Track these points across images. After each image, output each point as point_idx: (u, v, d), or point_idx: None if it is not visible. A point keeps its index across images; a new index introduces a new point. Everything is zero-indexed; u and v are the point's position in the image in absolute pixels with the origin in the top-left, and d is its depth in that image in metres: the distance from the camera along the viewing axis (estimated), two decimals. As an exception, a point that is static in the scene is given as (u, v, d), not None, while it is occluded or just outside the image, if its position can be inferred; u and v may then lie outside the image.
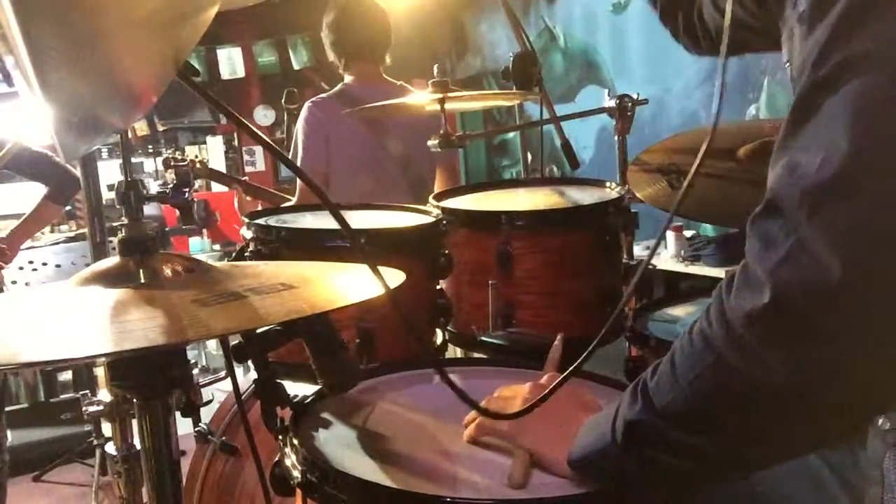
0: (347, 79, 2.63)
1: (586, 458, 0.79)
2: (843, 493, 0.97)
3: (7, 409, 2.94)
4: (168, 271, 0.80)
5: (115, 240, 0.82)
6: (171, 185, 0.94)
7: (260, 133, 0.75)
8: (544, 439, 0.85)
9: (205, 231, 5.42)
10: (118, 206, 0.82)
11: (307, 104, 2.55)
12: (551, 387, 0.83)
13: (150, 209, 0.86)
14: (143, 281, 0.78)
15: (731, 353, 0.64)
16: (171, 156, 2.79)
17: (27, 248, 3.45)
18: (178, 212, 0.97)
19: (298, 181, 2.58)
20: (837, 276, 0.57)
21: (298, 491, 0.88)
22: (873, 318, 0.58)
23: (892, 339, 0.58)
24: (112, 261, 0.81)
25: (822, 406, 0.64)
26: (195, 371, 0.86)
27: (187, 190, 0.93)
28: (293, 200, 2.54)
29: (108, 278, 0.78)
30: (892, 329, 0.58)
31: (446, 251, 1.41)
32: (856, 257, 0.57)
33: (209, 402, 1.11)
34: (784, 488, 0.97)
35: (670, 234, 3.37)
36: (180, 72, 0.61)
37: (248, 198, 2.79)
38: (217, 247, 5.35)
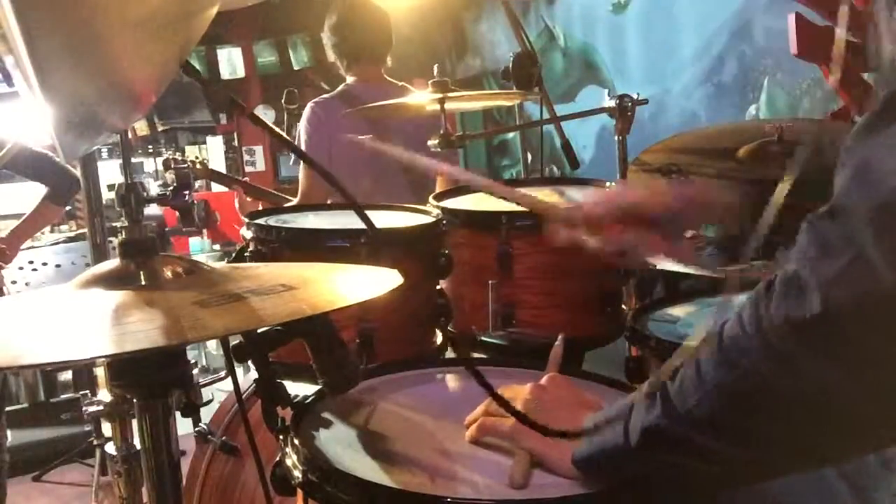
0: (349, 79, 2.64)
1: (591, 458, 0.79)
2: (851, 497, 0.96)
3: (7, 409, 2.94)
4: (168, 273, 0.80)
5: (114, 240, 0.82)
6: (171, 188, 0.94)
7: (285, 136, 0.75)
8: (545, 439, 0.85)
9: (205, 231, 5.41)
10: (118, 209, 0.82)
11: (309, 105, 2.56)
12: None
13: (149, 209, 0.86)
14: (143, 283, 0.78)
15: (766, 362, 0.62)
16: (171, 156, 2.79)
17: (27, 248, 3.45)
18: (178, 214, 0.97)
19: (300, 181, 2.58)
20: (890, 289, 0.55)
21: (299, 491, 0.88)
22: None
23: None
24: (112, 263, 0.81)
25: (856, 419, 0.62)
26: (195, 371, 0.86)
27: (188, 192, 0.93)
28: (294, 201, 2.54)
29: (109, 281, 0.78)
30: None
31: (446, 251, 1.41)
32: None
33: (209, 402, 1.11)
34: (793, 491, 0.96)
35: (670, 234, 3.36)
36: (202, 77, 0.61)
37: (249, 198, 2.79)
38: (217, 247, 5.35)
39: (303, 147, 2.52)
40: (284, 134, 2.47)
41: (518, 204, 1.20)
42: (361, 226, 1.45)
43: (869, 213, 0.56)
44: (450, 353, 1.44)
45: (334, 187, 0.74)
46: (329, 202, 2.53)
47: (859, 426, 0.64)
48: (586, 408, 0.88)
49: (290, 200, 2.61)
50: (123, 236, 0.81)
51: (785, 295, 0.61)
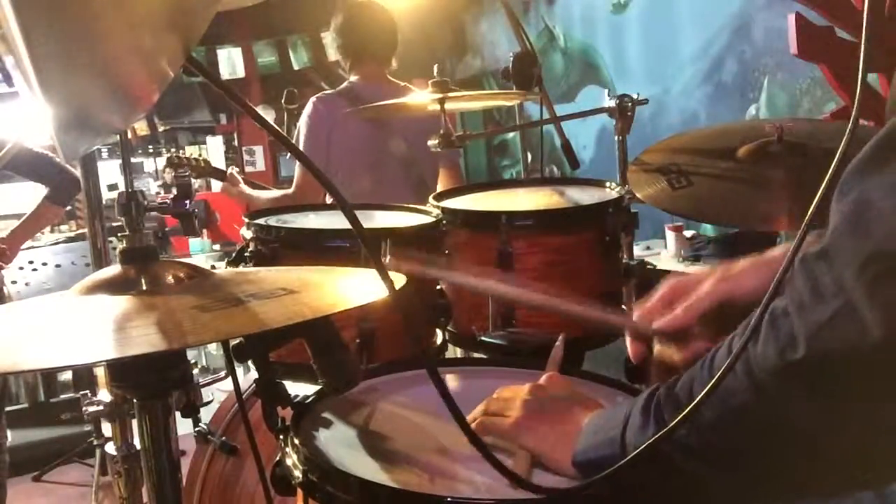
0: (353, 78, 2.64)
1: (591, 461, 0.79)
2: None
3: (7, 409, 2.95)
4: (170, 278, 0.81)
5: (115, 241, 0.83)
6: (172, 195, 0.94)
7: (280, 132, 0.75)
8: (545, 439, 0.85)
9: (205, 231, 5.41)
10: (119, 217, 0.83)
11: (312, 100, 2.56)
12: None
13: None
14: (144, 288, 0.79)
15: (754, 401, 0.61)
16: (174, 154, 2.79)
17: (27, 249, 3.46)
18: (179, 222, 0.98)
19: (295, 174, 2.59)
20: (876, 342, 0.53)
21: (299, 491, 0.88)
22: None
23: None
24: (114, 269, 0.82)
25: (842, 460, 0.62)
26: (195, 371, 0.86)
27: (188, 201, 0.93)
28: (289, 191, 2.56)
29: (111, 286, 0.79)
30: None
31: (446, 251, 1.41)
32: None
33: (209, 402, 1.11)
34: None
35: (670, 234, 3.37)
36: (212, 74, 0.61)
37: (235, 190, 2.78)
38: (217, 247, 5.35)
39: (301, 141, 2.52)
40: (282, 131, 2.47)
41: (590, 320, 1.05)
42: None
43: (860, 261, 0.54)
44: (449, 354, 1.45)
45: (326, 188, 0.74)
46: (329, 200, 2.54)
47: (846, 467, 0.63)
48: (586, 408, 0.88)
49: (267, 188, 2.62)
50: (125, 244, 0.82)
51: (774, 335, 0.59)
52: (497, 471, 0.76)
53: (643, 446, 0.68)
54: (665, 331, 0.87)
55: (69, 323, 0.74)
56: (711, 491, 0.70)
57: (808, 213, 0.58)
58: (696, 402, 0.64)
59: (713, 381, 0.63)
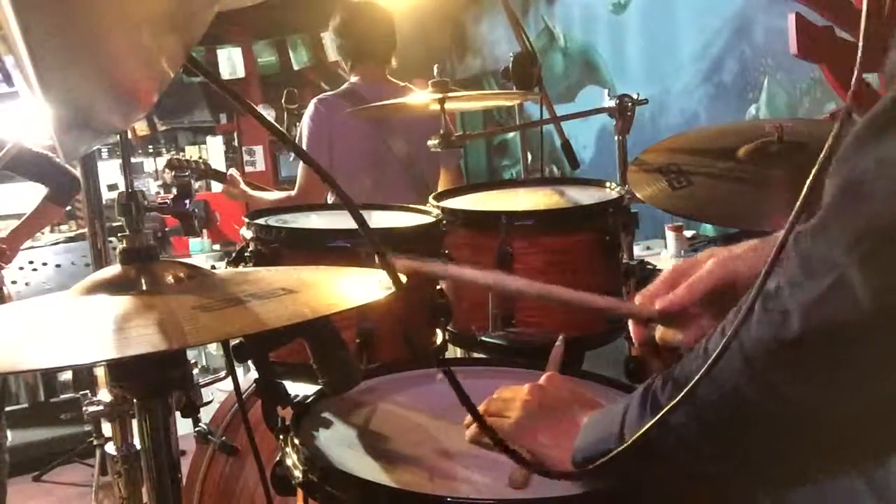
0: (353, 79, 2.64)
1: (590, 459, 0.79)
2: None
3: (7, 409, 2.95)
4: (170, 278, 0.80)
5: (115, 241, 0.83)
6: (172, 195, 0.94)
7: (284, 132, 0.75)
8: (545, 439, 0.85)
9: (205, 231, 5.41)
10: (119, 217, 0.83)
11: (313, 101, 2.56)
12: None
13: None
14: (144, 288, 0.79)
15: (748, 386, 0.61)
16: (174, 156, 2.79)
17: (27, 248, 3.46)
18: (179, 222, 0.98)
19: (298, 176, 2.59)
20: (869, 315, 0.53)
21: (299, 491, 0.88)
22: None
23: None
24: (114, 269, 0.82)
25: (837, 441, 0.62)
26: (195, 371, 0.86)
27: (188, 200, 0.93)
28: (291, 193, 2.56)
29: (111, 286, 0.79)
30: None
31: (446, 251, 1.41)
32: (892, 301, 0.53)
33: (209, 402, 1.11)
34: (816, 494, 0.95)
35: (670, 234, 3.37)
36: (214, 77, 0.61)
37: (236, 191, 2.78)
38: (217, 247, 5.35)
39: (304, 142, 2.52)
40: (283, 131, 2.47)
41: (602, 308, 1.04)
42: (361, 226, 1.45)
43: (854, 236, 0.54)
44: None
45: (331, 187, 0.74)
46: (330, 201, 2.54)
47: (841, 447, 0.63)
48: (585, 407, 0.88)
49: (267, 189, 2.63)
50: (125, 244, 0.81)
51: (767, 316, 0.59)
52: (513, 460, 0.77)
53: (642, 430, 0.68)
54: (667, 310, 0.86)
55: (69, 323, 0.74)
56: (711, 479, 0.70)
57: (801, 195, 0.58)
58: (691, 383, 0.63)
59: (709, 362, 0.62)
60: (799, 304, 0.57)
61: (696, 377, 0.63)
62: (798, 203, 0.58)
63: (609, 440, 0.75)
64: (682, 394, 0.64)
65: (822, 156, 0.56)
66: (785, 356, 0.59)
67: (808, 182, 0.57)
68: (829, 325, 0.56)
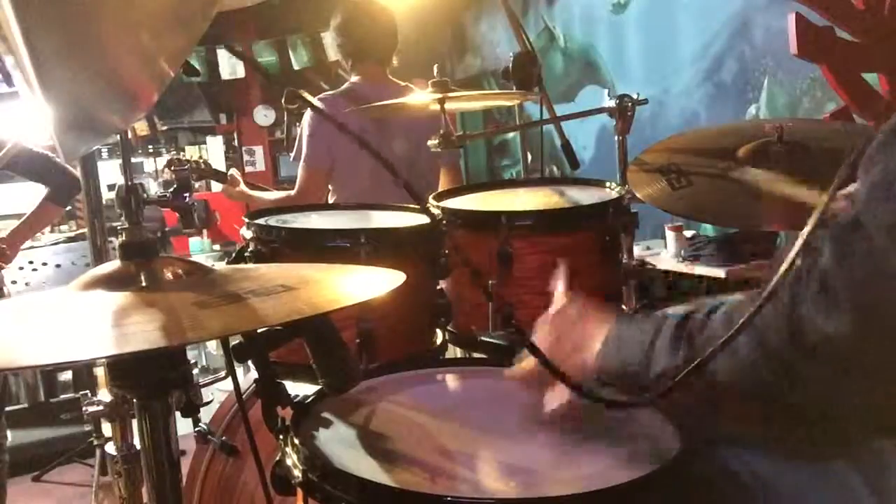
0: (354, 78, 2.64)
1: (613, 371, 0.81)
2: (871, 499, 0.96)
3: (7, 409, 2.94)
4: (169, 274, 0.80)
5: (115, 241, 0.82)
6: (171, 189, 0.94)
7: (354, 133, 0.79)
8: (561, 347, 0.88)
9: (205, 231, 5.42)
10: (118, 210, 0.83)
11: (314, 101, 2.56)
12: None
13: (149, 209, 0.86)
14: (143, 284, 0.78)
15: (790, 349, 0.63)
16: (174, 157, 2.79)
17: (27, 248, 3.45)
18: (178, 216, 0.97)
19: (298, 177, 2.59)
20: None
21: (299, 490, 0.88)
22: None
23: None
24: (113, 265, 0.82)
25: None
26: (195, 371, 0.86)
27: (188, 194, 0.93)
28: (291, 192, 2.56)
29: (110, 282, 0.79)
30: None
31: (446, 251, 1.41)
32: None
33: (209, 402, 1.11)
34: (810, 491, 0.96)
35: (670, 234, 3.37)
36: (258, 67, 0.61)
37: (236, 191, 2.78)
38: (217, 247, 5.36)
39: (304, 142, 2.52)
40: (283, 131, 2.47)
41: None
42: (361, 226, 1.45)
43: (891, 222, 0.56)
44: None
45: (390, 171, 0.81)
46: (331, 201, 2.54)
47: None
48: (597, 318, 0.89)
49: (267, 189, 2.62)
50: (124, 238, 0.81)
51: (819, 300, 0.61)
52: (562, 383, 0.82)
53: (721, 342, 0.68)
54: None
55: (67, 320, 0.74)
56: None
57: (831, 191, 0.60)
58: (734, 329, 0.65)
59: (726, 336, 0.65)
60: (843, 291, 0.59)
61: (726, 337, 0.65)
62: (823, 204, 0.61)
63: (635, 366, 0.78)
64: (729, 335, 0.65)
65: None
66: (832, 345, 0.61)
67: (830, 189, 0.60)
68: (876, 307, 0.58)
